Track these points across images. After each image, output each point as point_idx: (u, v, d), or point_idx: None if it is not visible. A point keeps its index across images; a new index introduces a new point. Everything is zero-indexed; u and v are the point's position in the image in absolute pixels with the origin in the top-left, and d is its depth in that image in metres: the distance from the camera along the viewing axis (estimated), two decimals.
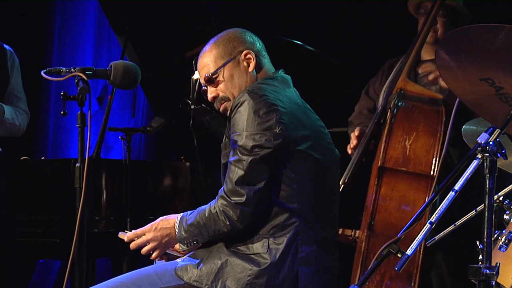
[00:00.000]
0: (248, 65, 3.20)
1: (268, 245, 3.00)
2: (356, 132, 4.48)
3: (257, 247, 3.01)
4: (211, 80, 3.21)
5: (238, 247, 3.03)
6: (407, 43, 4.59)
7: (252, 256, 3.00)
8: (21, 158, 5.03)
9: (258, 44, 3.26)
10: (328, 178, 3.16)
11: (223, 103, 3.23)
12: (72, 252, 2.98)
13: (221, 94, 3.21)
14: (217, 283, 2.98)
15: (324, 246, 3.10)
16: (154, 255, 3.16)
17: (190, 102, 5.11)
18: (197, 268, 3.02)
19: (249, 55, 3.19)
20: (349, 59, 5.70)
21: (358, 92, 4.90)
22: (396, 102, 4.23)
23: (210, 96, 3.23)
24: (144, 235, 3.15)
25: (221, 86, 3.21)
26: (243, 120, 3.00)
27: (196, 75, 5.05)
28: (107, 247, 5.03)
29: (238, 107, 3.02)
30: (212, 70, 3.20)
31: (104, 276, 4.31)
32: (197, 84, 5.04)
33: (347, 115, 4.86)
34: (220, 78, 3.20)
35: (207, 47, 3.24)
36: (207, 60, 3.22)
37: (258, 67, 3.22)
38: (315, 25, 6.14)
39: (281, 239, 3.01)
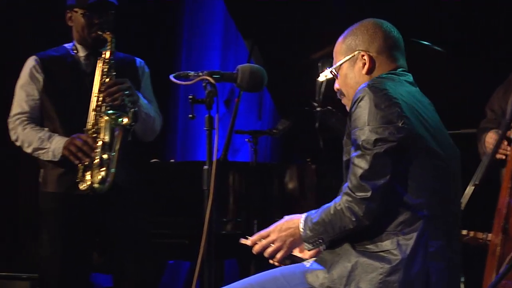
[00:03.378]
0: (363, 66, 3.15)
1: (398, 241, 2.93)
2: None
3: (386, 244, 2.94)
4: (334, 73, 3.22)
5: (366, 246, 2.97)
6: None
7: (382, 253, 2.94)
8: (151, 161, 5.14)
9: (388, 40, 3.16)
10: (449, 173, 3.08)
11: (342, 97, 3.24)
12: (201, 253, 3.02)
13: (341, 88, 3.23)
14: (349, 287, 2.94)
15: (449, 242, 3.02)
16: (278, 256, 3.12)
17: (316, 104, 5.11)
18: (328, 273, 2.99)
19: (365, 57, 3.14)
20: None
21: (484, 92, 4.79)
22: None
23: (335, 87, 3.25)
24: (269, 236, 3.13)
25: (339, 81, 3.22)
26: (365, 115, 2.94)
27: (321, 77, 5.05)
28: (234, 248, 5.08)
29: (359, 102, 2.97)
30: (333, 64, 3.22)
31: (232, 278, 4.35)
32: (323, 86, 5.03)
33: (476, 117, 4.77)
34: (340, 73, 3.20)
35: (341, 36, 3.23)
36: (335, 52, 3.23)
37: (378, 67, 3.14)
38: (444, 22, 6.00)
39: (410, 235, 2.93)
